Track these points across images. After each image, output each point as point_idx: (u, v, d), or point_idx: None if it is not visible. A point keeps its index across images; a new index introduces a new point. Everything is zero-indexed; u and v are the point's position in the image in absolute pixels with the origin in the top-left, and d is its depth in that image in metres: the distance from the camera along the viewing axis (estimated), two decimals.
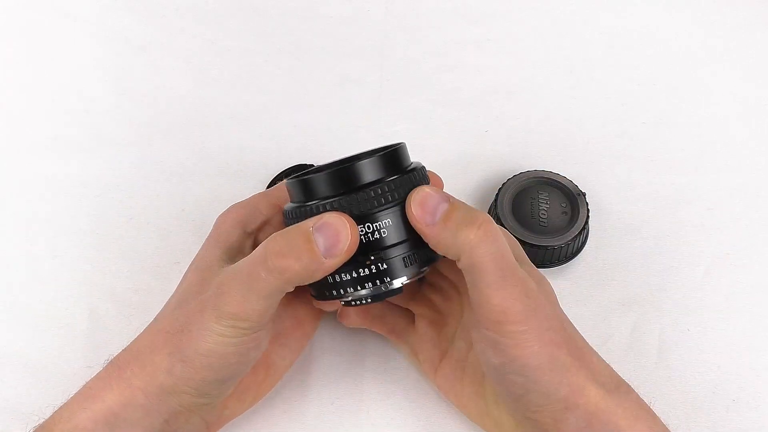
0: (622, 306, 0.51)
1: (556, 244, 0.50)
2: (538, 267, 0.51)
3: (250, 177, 0.56)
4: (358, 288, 0.38)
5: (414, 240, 0.38)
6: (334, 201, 0.37)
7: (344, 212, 0.37)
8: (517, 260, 0.39)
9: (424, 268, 0.39)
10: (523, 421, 0.40)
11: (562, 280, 0.52)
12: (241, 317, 0.37)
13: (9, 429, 0.46)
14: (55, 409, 0.40)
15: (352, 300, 0.39)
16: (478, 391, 0.43)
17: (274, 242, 0.37)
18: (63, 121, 0.59)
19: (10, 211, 0.55)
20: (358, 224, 0.37)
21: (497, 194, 0.52)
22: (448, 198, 0.38)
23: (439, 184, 0.42)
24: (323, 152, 0.57)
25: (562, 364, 0.38)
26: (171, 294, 0.42)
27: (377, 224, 0.37)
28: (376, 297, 0.39)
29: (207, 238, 0.43)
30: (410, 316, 0.47)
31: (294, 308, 0.45)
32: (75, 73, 0.61)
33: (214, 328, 0.37)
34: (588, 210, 0.52)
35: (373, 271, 0.37)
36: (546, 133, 0.58)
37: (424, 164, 0.41)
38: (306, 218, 0.37)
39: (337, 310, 0.46)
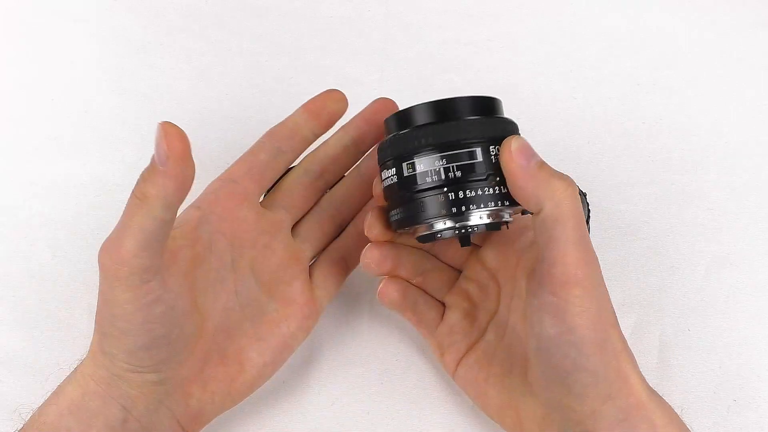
0: (622, 306, 0.51)
1: None
2: None
3: None
4: (441, 219, 0.39)
5: (497, 178, 0.39)
6: (426, 128, 0.39)
7: (435, 137, 0.39)
8: None
9: (507, 211, 0.40)
10: (555, 410, 0.40)
11: None
12: (120, 264, 0.37)
13: (9, 429, 0.46)
14: (33, 411, 0.41)
15: (432, 233, 0.40)
16: (503, 382, 0.43)
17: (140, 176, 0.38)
18: (63, 121, 0.59)
19: (11, 211, 0.55)
20: (446, 150, 0.39)
21: None
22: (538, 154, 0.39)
23: None
24: None
25: (614, 346, 0.38)
26: None
27: (465, 154, 0.39)
28: (457, 229, 0.40)
29: None
30: (440, 310, 0.47)
31: (280, 304, 0.45)
32: (75, 73, 0.61)
33: (107, 291, 0.38)
34: (588, 210, 0.52)
35: (454, 199, 0.39)
36: (546, 133, 0.58)
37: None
38: (400, 146, 0.40)
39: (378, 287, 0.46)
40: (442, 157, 0.39)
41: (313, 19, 0.64)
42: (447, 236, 0.40)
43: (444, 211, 0.39)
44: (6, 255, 0.53)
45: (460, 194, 0.38)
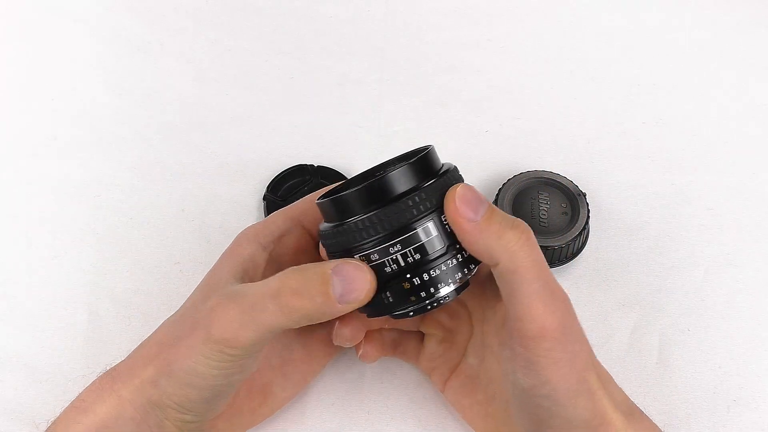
0: (622, 306, 0.51)
1: (556, 244, 0.50)
2: None
3: (250, 177, 0.56)
4: (408, 303, 0.37)
5: (457, 245, 0.37)
6: (370, 217, 0.36)
7: (383, 226, 0.36)
8: None
9: (472, 270, 0.38)
10: None
11: (562, 281, 0.51)
12: (230, 344, 0.36)
13: (9, 430, 0.46)
14: (49, 423, 0.39)
15: (404, 313, 0.38)
16: (486, 410, 0.43)
17: (291, 278, 0.36)
18: (63, 121, 0.59)
19: (11, 211, 0.55)
20: (398, 236, 0.36)
21: (497, 194, 0.52)
22: (486, 199, 0.37)
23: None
24: (323, 152, 0.57)
25: (589, 389, 0.37)
26: (170, 295, 0.42)
27: (418, 234, 0.36)
28: (424, 308, 0.38)
29: (221, 255, 0.42)
30: (419, 337, 0.46)
31: (307, 341, 0.45)
32: (75, 74, 0.61)
33: (200, 349, 0.36)
34: (588, 210, 0.52)
35: (419, 283, 0.36)
36: (546, 133, 0.58)
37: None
38: (347, 238, 0.36)
39: (357, 351, 0.45)
40: (395, 243, 0.36)
41: (313, 19, 0.64)
42: (420, 313, 0.38)
43: (411, 299, 0.37)
44: (6, 255, 0.53)
45: (425, 276, 0.36)
